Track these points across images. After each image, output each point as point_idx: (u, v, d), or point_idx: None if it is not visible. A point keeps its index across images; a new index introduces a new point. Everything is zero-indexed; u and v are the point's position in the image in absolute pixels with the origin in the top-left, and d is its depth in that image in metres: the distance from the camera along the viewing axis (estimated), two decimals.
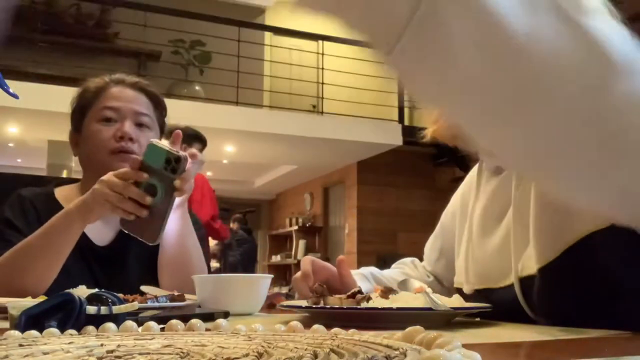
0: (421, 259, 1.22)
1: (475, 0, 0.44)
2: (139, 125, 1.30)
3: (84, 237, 1.27)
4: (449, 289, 1.11)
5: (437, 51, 0.45)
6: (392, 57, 0.46)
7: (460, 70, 0.46)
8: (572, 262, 0.78)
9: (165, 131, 1.42)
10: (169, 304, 0.94)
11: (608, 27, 0.46)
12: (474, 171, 1.07)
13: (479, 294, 0.94)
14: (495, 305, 0.83)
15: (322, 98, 7.52)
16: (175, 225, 1.23)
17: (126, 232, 1.11)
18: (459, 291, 0.99)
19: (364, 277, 1.09)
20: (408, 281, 0.96)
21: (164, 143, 1.12)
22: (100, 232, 1.31)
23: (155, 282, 1.24)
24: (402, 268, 1.19)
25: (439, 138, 1.02)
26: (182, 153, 1.09)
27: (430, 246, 1.19)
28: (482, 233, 0.96)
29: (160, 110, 1.38)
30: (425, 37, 0.44)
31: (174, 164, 1.07)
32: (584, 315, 0.78)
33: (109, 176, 1.10)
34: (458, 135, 1.01)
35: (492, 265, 0.92)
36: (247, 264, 7.24)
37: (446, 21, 0.44)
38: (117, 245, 1.31)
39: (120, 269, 1.29)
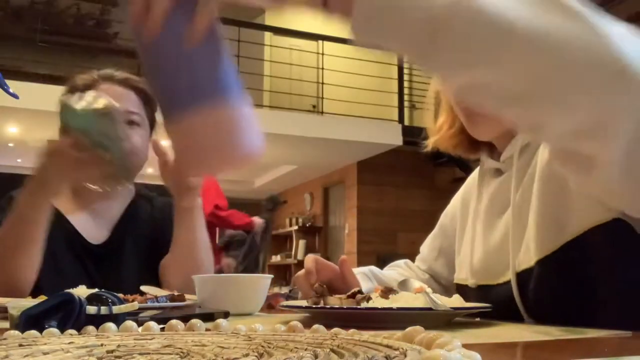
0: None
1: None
2: (129, 123, 1.28)
3: (78, 236, 1.27)
4: (446, 287, 1.12)
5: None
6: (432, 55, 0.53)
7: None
8: (569, 256, 0.79)
9: (156, 127, 1.39)
10: (169, 304, 0.94)
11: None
12: (475, 173, 1.08)
13: (478, 290, 0.95)
14: (492, 303, 0.84)
15: (322, 98, 7.52)
16: (189, 226, 1.22)
17: (105, 190, 1.09)
18: (459, 287, 1.01)
19: (365, 277, 1.10)
20: (408, 281, 0.97)
21: (78, 99, 1.03)
22: (95, 231, 1.30)
23: (152, 279, 1.24)
24: (396, 270, 1.20)
25: (440, 147, 1.03)
26: (103, 99, 1.03)
27: (429, 245, 1.19)
28: (483, 232, 0.97)
29: (150, 106, 1.36)
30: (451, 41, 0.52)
31: (104, 113, 1.01)
32: (577, 310, 0.79)
33: (50, 155, 1.06)
34: (459, 145, 1.02)
35: (491, 262, 0.94)
36: (247, 264, 7.20)
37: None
38: (111, 243, 1.31)
39: (116, 267, 1.28)
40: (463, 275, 1.00)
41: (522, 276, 0.86)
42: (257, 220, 4.57)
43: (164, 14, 0.53)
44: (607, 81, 0.51)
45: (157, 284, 1.26)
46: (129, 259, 1.30)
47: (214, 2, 0.54)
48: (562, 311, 0.81)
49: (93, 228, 1.30)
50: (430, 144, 1.05)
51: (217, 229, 4.46)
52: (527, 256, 0.85)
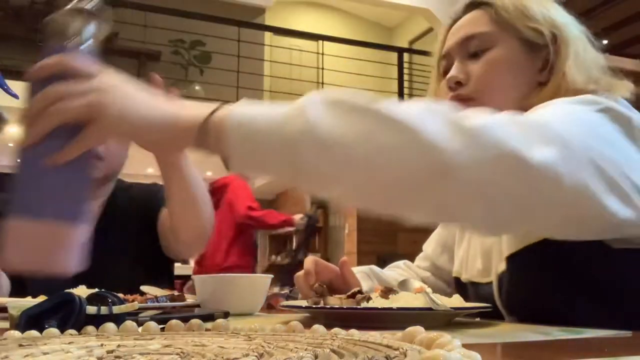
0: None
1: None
2: None
3: None
4: (449, 283, 1.12)
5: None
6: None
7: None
8: (536, 255, 0.81)
9: None
10: (169, 304, 0.95)
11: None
12: None
13: (470, 286, 0.98)
14: (481, 300, 0.88)
15: None
16: (180, 177, 1.16)
17: None
18: (455, 280, 1.03)
19: (366, 276, 1.10)
20: (408, 281, 0.97)
21: None
22: None
23: (143, 271, 1.22)
24: (396, 271, 1.20)
25: None
26: None
27: (434, 242, 1.20)
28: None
29: None
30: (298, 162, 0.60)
31: None
32: (547, 308, 0.80)
33: None
34: None
35: (484, 262, 0.95)
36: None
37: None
38: (95, 240, 1.28)
39: (99, 264, 1.25)
40: (458, 269, 1.03)
41: (501, 277, 0.89)
42: (296, 217, 4.54)
43: (43, 133, 0.60)
44: (436, 181, 0.59)
45: (149, 276, 1.24)
46: (115, 253, 1.27)
47: (94, 139, 0.61)
48: (534, 312, 0.83)
49: None
50: None
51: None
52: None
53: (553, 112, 0.71)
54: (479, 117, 0.61)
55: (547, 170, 0.60)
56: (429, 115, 0.60)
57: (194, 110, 0.63)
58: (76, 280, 0.96)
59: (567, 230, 0.71)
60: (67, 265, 0.61)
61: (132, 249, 1.29)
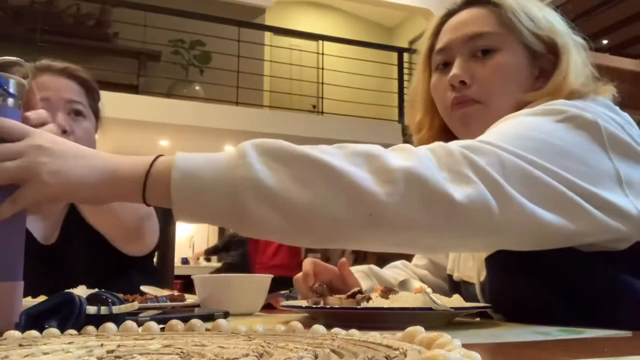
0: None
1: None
2: (73, 114, 1.22)
3: (31, 240, 1.22)
4: (447, 280, 1.13)
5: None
6: None
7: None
8: (509, 256, 0.80)
9: (100, 118, 1.33)
10: (169, 303, 0.95)
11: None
12: None
13: (463, 284, 0.98)
14: (471, 300, 0.88)
15: (322, 98, 7.51)
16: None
17: None
18: (449, 278, 1.04)
19: (365, 275, 1.10)
20: (408, 281, 0.97)
21: None
22: (45, 232, 1.27)
23: (115, 268, 1.22)
24: (394, 270, 1.20)
25: None
26: None
27: None
28: None
29: (93, 96, 1.29)
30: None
31: None
32: (527, 309, 0.81)
33: None
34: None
35: (472, 261, 0.96)
36: (246, 265, 7.17)
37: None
38: (61, 243, 1.27)
39: (67, 267, 1.24)
40: (451, 267, 1.03)
41: (484, 279, 0.90)
42: None
43: None
44: (369, 225, 0.62)
45: (114, 272, 1.23)
46: (80, 258, 1.26)
47: (28, 200, 0.62)
48: (513, 312, 0.84)
49: (43, 228, 1.27)
50: (415, 143, 1.05)
51: None
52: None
53: (505, 129, 0.72)
54: (404, 158, 0.63)
55: (474, 204, 0.62)
56: (358, 160, 0.63)
57: (130, 164, 0.64)
58: (52, 280, 0.97)
59: (513, 246, 0.73)
60: (8, 321, 0.61)
61: (94, 249, 1.27)
